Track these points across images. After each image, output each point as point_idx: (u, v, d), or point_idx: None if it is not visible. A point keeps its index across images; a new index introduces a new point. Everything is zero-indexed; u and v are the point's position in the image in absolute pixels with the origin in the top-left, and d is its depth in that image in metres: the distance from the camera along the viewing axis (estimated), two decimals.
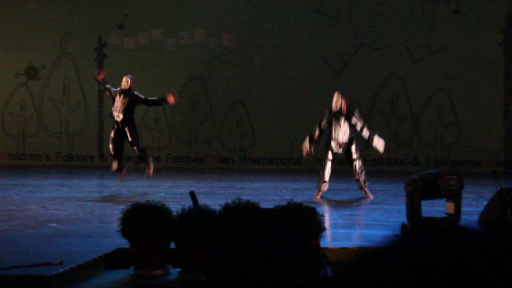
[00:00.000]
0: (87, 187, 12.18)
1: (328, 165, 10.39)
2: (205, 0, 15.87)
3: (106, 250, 6.44)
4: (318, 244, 5.89)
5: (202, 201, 6.52)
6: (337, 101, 10.33)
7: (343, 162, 14.81)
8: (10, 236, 7.27)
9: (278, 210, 6.25)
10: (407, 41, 15.62)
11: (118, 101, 11.14)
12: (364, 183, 10.32)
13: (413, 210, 6.63)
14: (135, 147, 11.29)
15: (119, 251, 6.40)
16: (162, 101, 11.59)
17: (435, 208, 7.85)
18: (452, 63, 15.49)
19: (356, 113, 10.48)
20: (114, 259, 6.40)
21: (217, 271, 4.69)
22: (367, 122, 11.37)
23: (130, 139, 11.21)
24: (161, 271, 6.12)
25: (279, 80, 15.75)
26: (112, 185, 12.13)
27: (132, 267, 6.17)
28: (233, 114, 15.91)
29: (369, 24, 15.72)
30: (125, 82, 11.25)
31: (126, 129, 11.16)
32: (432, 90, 15.63)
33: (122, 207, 6.37)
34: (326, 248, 5.98)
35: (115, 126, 11.27)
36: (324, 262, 4.78)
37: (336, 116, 10.34)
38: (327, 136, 10.51)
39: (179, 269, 6.10)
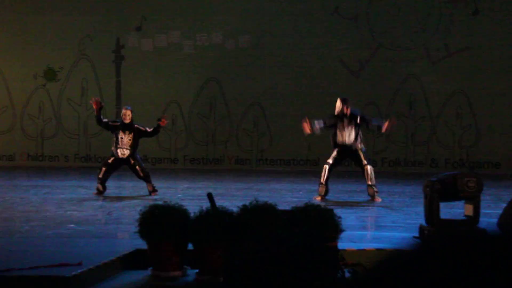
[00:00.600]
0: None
1: (326, 168, 10.41)
2: (222, 2, 15.89)
3: (124, 251, 6.45)
4: (336, 246, 5.86)
5: (219, 202, 6.52)
6: (339, 107, 10.54)
7: (353, 163, 14.79)
8: (29, 237, 7.30)
9: (296, 212, 6.24)
10: (425, 42, 15.56)
11: (124, 138, 10.71)
12: (376, 190, 10.29)
13: (431, 212, 6.58)
14: (149, 185, 10.78)
15: (137, 252, 6.40)
16: (158, 128, 10.95)
17: (454, 210, 7.80)
18: (470, 64, 15.40)
19: (360, 115, 10.61)
20: (132, 260, 6.41)
21: (234, 272, 4.69)
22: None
23: (141, 174, 10.76)
24: (179, 272, 6.12)
25: (296, 82, 15.74)
26: (130, 186, 12.16)
27: (150, 268, 6.17)
28: (250, 115, 15.92)
29: (386, 26, 15.68)
30: (127, 115, 10.78)
31: (135, 165, 10.77)
32: (450, 92, 15.55)
33: (140, 208, 6.38)
34: (344, 250, 5.95)
35: (115, 157, 10.80)
36: (341, 264, 4.76)
37: (340, 119, 10.42)
38: (332, 139, 10.55)
39: (197, 270, 6.09)
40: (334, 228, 6.12)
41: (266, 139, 15.95)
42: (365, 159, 10.44)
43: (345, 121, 10.45)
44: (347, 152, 10.52)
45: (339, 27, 15.67)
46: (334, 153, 10.55)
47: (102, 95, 16.16)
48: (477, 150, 15.47)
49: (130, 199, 10.64)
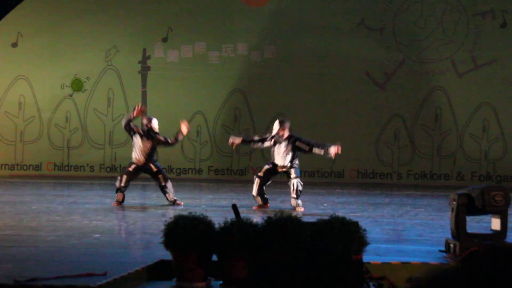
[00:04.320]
0: (130, 198, 12.28)
1: (256, 180, 10.50)
2: (247, 14, 15.95)
3: (148, 262, 6.45)
4: (361, 259, 5.83)
5: (243, 214, 6.52)
6: (275, 129, 10.56)
7: (378, 175, 14.79)
8: (55, 247, 7.34)
9: (320, 224, 6.21)
10: (452, 54, 15.47)
11: (141, 144, 10.79)
12: (298, 203, 10.42)
13: (457, 225, 6.52)
14: (170, 195, 10.80)
15: (162, 262, 6.41)
16: (178, 136, 11.01)
17: (480, 224, 7.73)
18: (497, 77, 15.29)
19: (300, 138, 10.62)
20: (156, 271, 6.42)
21: (258, 284, 4.68)
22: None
23: (163, 183, 10.78)
24: (203, 283, 6.11)
25: (320, 93, 15.73)
26: (155, 197, 12.21)
27: (174, 279, 6.17)
28: None
29: (412, 38, 15.63)
30: (149, 123, 10.92)
31: (157, 173, 10.82)
32: (477, 104, 15.43)
33: (165, 218, 6.40)
34: (369, 263, 5.92)
35: (136, 164, 10.85)
36: (366, 277, 4.74)
37: (277, 141, 10.51)
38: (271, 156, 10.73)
39: (221, 282, 6.08)
40: (359, 240, 6.08)
41: None
42: (294, 173, 10.51)
43: (282, 144, 10.46)
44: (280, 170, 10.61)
45: (365, 39, 15.64)
46: (267, 166, 10.62)
47: (128, 105, 16.28)
48: (504, 163, 15.32)
49: (155, 209, 10.67)
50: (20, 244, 7.41)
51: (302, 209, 10.45)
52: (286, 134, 10.53)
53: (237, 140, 10.87)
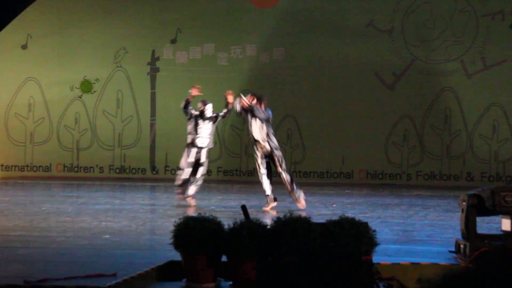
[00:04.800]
0: (139, 199, 12.33)
1: (263, 178, 10.60)
2: (256, 15, 15.96)
3: (158, 262, 6.48)
4: (371, 260, 5.83)
5: (253, 214, 6.53)
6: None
7: (387, 176, 14.77)
8: (65, 248, 7.37)
9: (330, 225, 6.21)
10: (461, 55, 15.44)
11: (203, 127, 11.08)
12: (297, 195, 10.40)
13: (467, 226, 6.51)
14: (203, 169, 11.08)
15: (171, 263, 6.42)
16: (227, 105, 11.26)
17: (490, 225, 7.70)
18: (507, 77, 15.25)
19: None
20: (166, 272, 6.44)
21: (268, 285, 4.68)
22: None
23: (203, 160, 11.04)
24: (213, 284, 6.13)
25: (330, 94, 15.71)
26: (164, 198, 12.25)
27: (184, 280, 6.19)
28: (284, 128, 15.92)
29: (422, 38, 15.60)
30: (203, 106, 11.20)
31: (202, 152, 11.07)
32: (487, 105, 15.38)
33: (174, 220, 6.41)
34: (378, 264, 5.91)
35: (196, 148, 11.04)
36: (376, 278, 4.73)
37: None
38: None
39: (230, 283, 6.10)
40: (368, 241, 6.08)
41: (300, 152, 15.93)
42: (278, 160, 10.55)
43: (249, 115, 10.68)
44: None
45: (374, 40, 15.62)
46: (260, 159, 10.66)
47: (137, 106, 16.32)
48: None
49: (164, 210, 10.69)
50: (30, 245, 7.45)
51: (303, 202, 10.44)
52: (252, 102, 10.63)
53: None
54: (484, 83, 15.38)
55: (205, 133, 11.10)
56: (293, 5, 15.93)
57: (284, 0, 15.94)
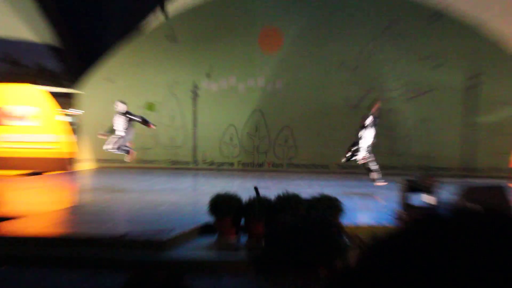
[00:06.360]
0: (186, 183, 12.42)
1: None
2: (264, 58, 15.99)
3: (199, 223, 6.60)
4: (340, 222, 5.95)
5: (262, 192, 6.66)
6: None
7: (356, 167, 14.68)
8: (137, 214, 7.50)
9: (314, 200, 6.34)
10: (404, 84, 15.40)
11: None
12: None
13: (404, 201, 6.59)
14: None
15: (208, 224, 6.53)
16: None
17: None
18: (431, 102, 15.17)
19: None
20: (204, 229, 6.56)
21: (272, 239, 4.84)
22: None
23: None
24: (235, 237, 6.26)
25: (316, 113, 15.67)
26: (202, 181, 12.29)
27: (216, 235, 6.32)
28: (283, 135, 15.97)
29: (378, 73, 15.56)
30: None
31: None
32: (419, 120, 15.24)
33: (209, 196, 6.52)
34: (346, 226, 6.00)
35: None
36: (343, 233, 4.86)
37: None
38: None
39: (247, 236, 6.23)
40: (338, 210, 6.21)
41: (293, 151, 15.99)
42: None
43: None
44: None
45: (344, 74, 15.63)
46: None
47: (184, 120, 16.38)
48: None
49: (202, 189, 10.74)
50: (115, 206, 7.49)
51: (129, 157, 10.94)
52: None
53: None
54: (418, 104, 15.34)
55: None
56: (287, 53, 15.95)
57: (284, 48, 15.98)
